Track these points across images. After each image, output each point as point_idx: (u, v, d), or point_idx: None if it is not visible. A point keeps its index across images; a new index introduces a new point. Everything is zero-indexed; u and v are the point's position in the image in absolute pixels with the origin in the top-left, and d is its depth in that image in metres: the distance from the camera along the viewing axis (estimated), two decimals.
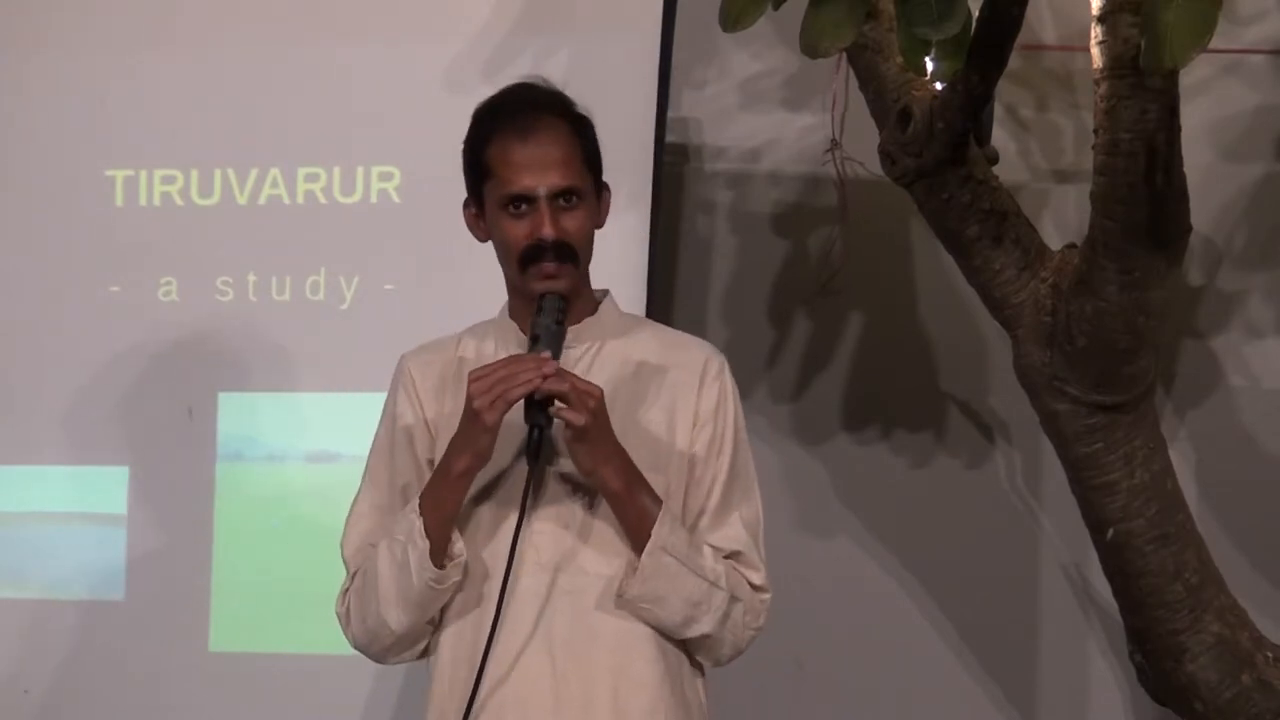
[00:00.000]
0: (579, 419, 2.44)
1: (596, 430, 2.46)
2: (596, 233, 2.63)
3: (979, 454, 4.13)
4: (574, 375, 2.48)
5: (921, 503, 4.12)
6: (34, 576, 3.89)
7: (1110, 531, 3.44)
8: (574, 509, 2.55)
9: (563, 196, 2.54)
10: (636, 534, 2.51)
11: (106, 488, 3.87)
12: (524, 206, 2.54)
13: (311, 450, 3.81)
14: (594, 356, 2.62)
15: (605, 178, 2.65)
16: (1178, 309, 3.92)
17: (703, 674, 2.65)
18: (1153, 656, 3.50)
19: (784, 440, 4.13)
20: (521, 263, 2.56)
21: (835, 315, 4.15)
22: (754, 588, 2.59)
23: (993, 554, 4.09)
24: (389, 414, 2.70)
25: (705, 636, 2.56)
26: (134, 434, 3.87)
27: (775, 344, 4.17)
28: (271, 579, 3.81)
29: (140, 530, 3.85)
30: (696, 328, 3.95)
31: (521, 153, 2.54)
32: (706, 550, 2.55)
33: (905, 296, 4.14)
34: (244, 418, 3.84)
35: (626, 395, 2.59)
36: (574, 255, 2.55)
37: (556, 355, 2.49)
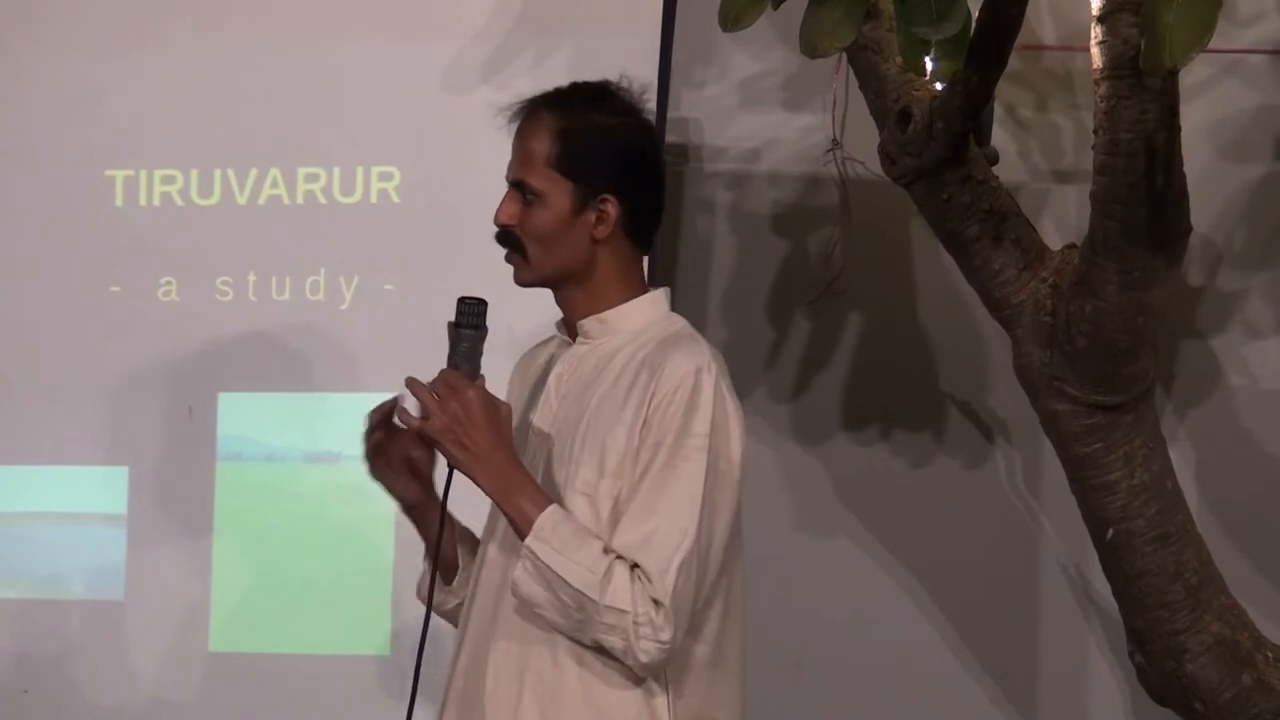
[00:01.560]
0: (414, 422, 2.50)
1: (455, 431, 2.46)
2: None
3: (979, 454, 4.12)
4: (453, 377, 2.48)
5: (921, 503, 4.12)
6: (34, 576, 3.90)
7: (1110, 531, 3.44)
8: None
9: (521, 189, 2.56)
10: (520, 537, 2.46)
11: (106, 488, 3.87)
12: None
13: (311, 450, 3.81)
14: (581, 358, 2.59)
15: None
16: (1178, 309, 3.91)
17: (639, 685, 2.47)
18: (1153, 656, 3.50)
19: (784, 440, 4.13)
20: None
21: (835, 315, 4.15)
22: (654, 602, 2.40)
23: (993, 554, 4.08)
24: None
25: (600, 645, 2.45)
26: (134, 434, 3.87)
27: (775, 344, 4.17)
28: (271, 579, 3.81)
29: (140, 530, 3.85)
30: (696, 328, 3.93)
31: (513, 139, 2.59)
32: (592, 556, 2.42)
33: (905, 297, 4.14)
34: (244, 418, 3.84)
35: (601, 399, 2.54)
36: (516, 245, 2.56)
37: (462, 359, 2.51)
